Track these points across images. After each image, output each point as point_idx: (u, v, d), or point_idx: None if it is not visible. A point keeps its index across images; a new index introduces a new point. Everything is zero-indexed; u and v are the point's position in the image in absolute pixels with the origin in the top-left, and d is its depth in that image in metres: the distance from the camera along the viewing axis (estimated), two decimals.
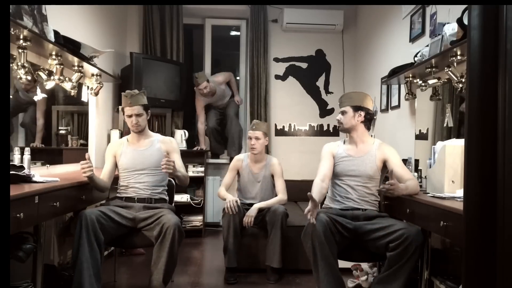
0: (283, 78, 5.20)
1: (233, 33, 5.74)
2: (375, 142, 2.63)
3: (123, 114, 2.85)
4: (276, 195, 3.43)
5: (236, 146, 4.91)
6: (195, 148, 4.76)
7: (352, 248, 2.48)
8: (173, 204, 3.02)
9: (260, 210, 3.28)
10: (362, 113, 2.58)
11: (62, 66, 2.71)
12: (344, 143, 2.71)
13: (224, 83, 4.89)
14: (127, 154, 2.83)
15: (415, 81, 2.99)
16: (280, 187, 3.40)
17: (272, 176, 3.46)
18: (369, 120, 2.62)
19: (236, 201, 3.18)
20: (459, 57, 2.32)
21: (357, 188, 2.55)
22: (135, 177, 2.79)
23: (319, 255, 2.30)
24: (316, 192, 2.44)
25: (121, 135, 4.23)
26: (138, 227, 2.64)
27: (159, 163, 2.68)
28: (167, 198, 2.90)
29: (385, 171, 2.59)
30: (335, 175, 2.62)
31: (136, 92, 2.80)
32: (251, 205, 3.37)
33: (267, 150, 4.90)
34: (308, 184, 4.61)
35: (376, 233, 2.35)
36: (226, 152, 5.09)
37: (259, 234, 3.35)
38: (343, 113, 2.62)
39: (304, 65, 5.21)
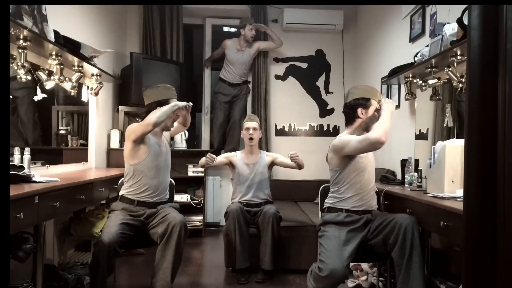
0: (283, 78, 5.20)
1: (232, 29, 5.70)
2: None
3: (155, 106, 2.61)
4: (269, 192, 3.50)
5: (235, 144, 4.94)
6: None
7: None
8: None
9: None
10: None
11: (62, 66, 2.71)
12: None
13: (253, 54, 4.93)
14: (153, 148, 2.66)
15: (415, 81, 2.99)
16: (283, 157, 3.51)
17: (269, 168, 3.50)
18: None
19: (210, 156, 3.26)
20: (459, 57, 2.32)
21: (369, 182, 2.47)
22: (157, 177, 2.67)
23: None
24: None
25: (121, 136, 4.22)
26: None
27: (169, 161, 2.83)
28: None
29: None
30: (347, 173, 2.44)
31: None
32: (250, 205, 3.38)
33: (268, 149, 4.91)
34: (308, 184, 4.68)
35: (374, 238, 2.35)
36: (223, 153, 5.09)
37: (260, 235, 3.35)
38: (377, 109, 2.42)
39: (304, 65, 5.21)
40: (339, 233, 2.35)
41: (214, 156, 3.28)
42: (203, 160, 3.28)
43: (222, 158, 3.51)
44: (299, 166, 3.37)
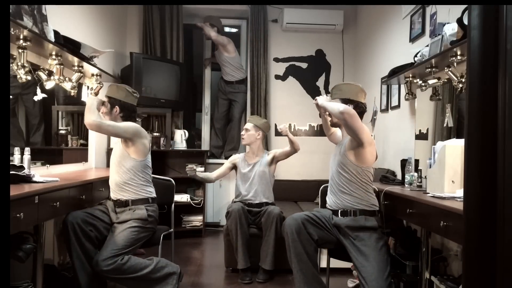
0: (283, 78, 5.20)
1: (233, 29, 5.71)
2: None
3: None
4: (271, 193, 3.51)
5: (235, 143, 4.97)
6: None
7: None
8: (172, 206, 3.01)
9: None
10: (351, 106, 2.40)
11: (62, 66, 2.71)
12: None
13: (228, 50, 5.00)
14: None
15: (415, 81, 2.99)
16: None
17: (271, 164, 3.52)
18: (360, 114, 2.41)
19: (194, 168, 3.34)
20: (459, 57, 2.32)
21: (335, 179, 2.48)
22: (111, 176, 2.70)
23: (292, 252, 2.36)
24: None
25: None
26: None
27: (121, 158, 2.61)
28: (141, 196, 2.62)
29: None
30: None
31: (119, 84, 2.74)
32: (252, 205, 3.39)
33: (267, 149, 4.90)
34: (308, 184, 4.68)
35: (351, 258, 2.34)
36: (223, 154, 5.10)
37: (261, 235, 3.34)
38: None
39: (304, 65, 5.21)
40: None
41: (193, 167, 3.33)
42: (188, 173, 3.36)
43: (227, 164, 3.61)
44: (294, 148, 3.39)
